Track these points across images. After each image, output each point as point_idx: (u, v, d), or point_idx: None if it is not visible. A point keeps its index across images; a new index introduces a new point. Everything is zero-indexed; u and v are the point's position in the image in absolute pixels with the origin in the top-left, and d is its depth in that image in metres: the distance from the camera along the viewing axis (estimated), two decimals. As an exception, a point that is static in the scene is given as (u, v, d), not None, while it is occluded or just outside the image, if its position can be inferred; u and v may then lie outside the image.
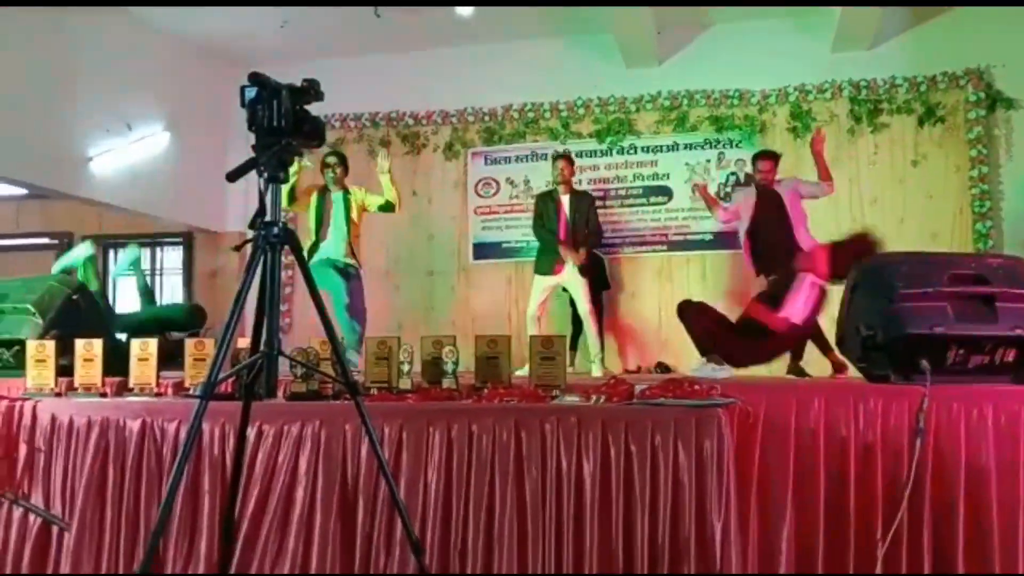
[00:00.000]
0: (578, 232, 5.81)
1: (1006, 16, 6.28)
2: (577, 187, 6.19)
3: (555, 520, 2.44)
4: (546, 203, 5.93)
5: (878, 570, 2.58)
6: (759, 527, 2.69)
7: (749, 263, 5.29)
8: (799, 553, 2.69)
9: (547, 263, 5.81)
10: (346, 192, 5.54)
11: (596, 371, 5.69)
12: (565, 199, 5.85)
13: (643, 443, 2.44)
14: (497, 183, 7.34)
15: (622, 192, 7.08)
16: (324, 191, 5.55)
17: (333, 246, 5.45)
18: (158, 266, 8.72)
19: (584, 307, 5.81)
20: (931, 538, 2.61)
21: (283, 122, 2.22)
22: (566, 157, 6.04)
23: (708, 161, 6.92)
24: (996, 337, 2.86)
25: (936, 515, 2.62)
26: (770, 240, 5.19)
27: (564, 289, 5.96)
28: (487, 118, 7.34)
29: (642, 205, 7.02)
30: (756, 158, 5.53)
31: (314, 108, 2.31)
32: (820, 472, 2.70)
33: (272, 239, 2.21)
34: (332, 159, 5.54)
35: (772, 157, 5.48)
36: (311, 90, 2.29)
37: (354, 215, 5.51)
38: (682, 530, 2.37)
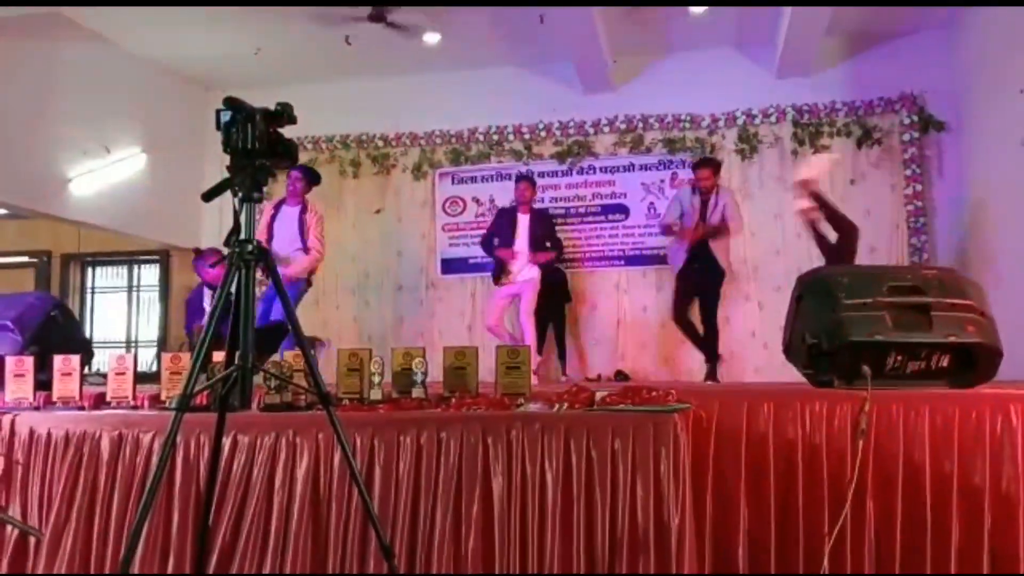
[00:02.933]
0: (539, 245, 6.01)
1: (937, 45, 6.65)
2: (536, 205, 6.38)
3: (519, 522, 2.51)
4: (502, 221, 6.14)
5: (824, 565, 2.72)
6: (714, 526, 2.81)
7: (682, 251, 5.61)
8: (751, 550, 2.82)
9: (496, 276, 6.05)
10: (304, 207, 5.57)
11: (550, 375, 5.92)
12: (524, 218, 6.02)
13: (603, 448, 2.52)
14: (464, 202, 7.52)
15: (582, 210, 7.28)
16: (278, 205, 5.61)
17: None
18: (135, 283, 8.72)
19: (525, 313, 5.94)
20: (872, 533, 2.75)
21: (257, 144, 2.28)
22: (527, 179, 6.21)
23: (662, 181, 7.16)
24: (931, 344, 2.99)
25: (877, 511, 2.75)
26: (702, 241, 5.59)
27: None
28: (454, 140, 7.54)
29: (600, 222, 7.23)
30: (696, 167, 5.83)
31: (287, 130, 2.40)
32: (770, 472, 2.83)
33: (247, 256, 2.27)
34: (295, 173, 5.57)
35: (710, 165, 5.75)
36: (284, 113, 2.36)
37: (307, 232, 5.50)
38: (640, 530, 2.45)
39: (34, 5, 5.82)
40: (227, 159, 2.32)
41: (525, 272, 5.97)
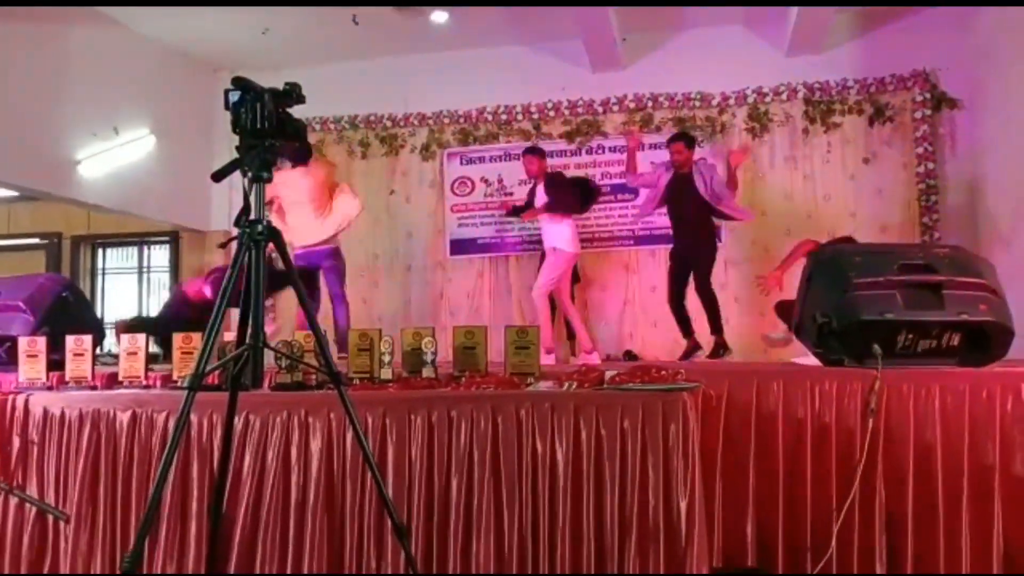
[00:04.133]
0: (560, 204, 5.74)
1: (950, 21, 6.56)
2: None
3: (531, 501, 2.54)
4: (529, 195, 6.12)
5: (832, 545, 2.73)
6: (723, 504, 2.84)
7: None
8: (760, 528, 2.84)
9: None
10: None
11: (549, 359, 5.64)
12: (539, 188, 5.90)
13: (613, 427, 2.53)
14: (472, 182, 7.50)
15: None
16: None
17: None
18: (145, 264, 8.79)
19: (545, 281, 5.67)
20: (882, 511, 2.76)
21: (266, 124, 2.28)
22: (533, 151, 6.00)
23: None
24: (943, 322, 2.99)
25: (887, 490, 2.76)
26: (684, 217, 5.63)
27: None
28: (462, 120, 7.50)
29: (610, 202, 7.19)
30: (670, 141, 5.81)
31: (295, 110, 2.40)
32: (779, 451, 2.85)
33: (257, 236, 2.27)
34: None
35: (682, 138, 5.76)
36: (293, 93, 2.36)
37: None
38: (650, 508, 2.46)
39: None
40: (236, 140, 2.32)
41: (550, 233, 5.72)
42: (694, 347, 5.58)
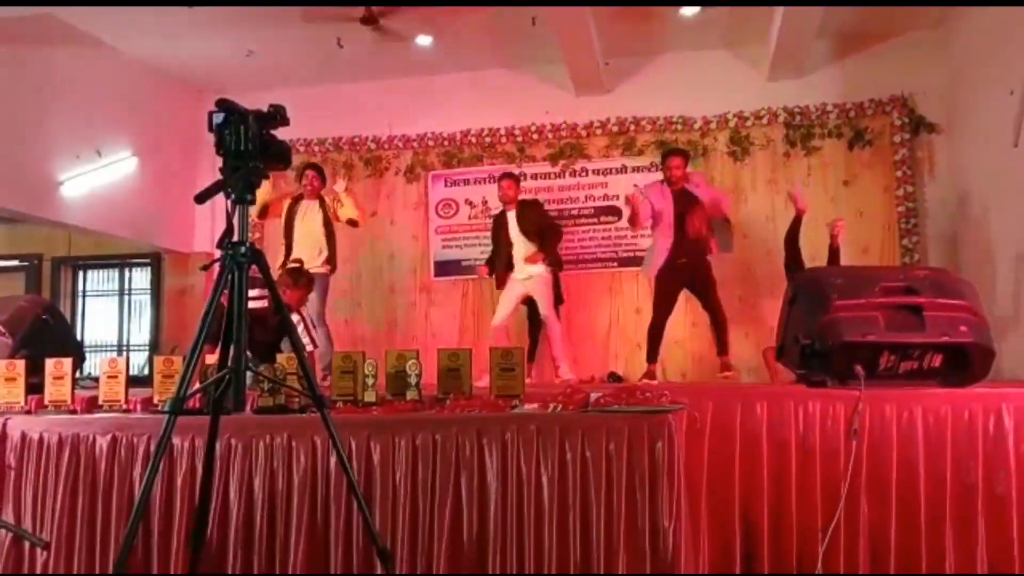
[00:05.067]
0: (530, 237, 5.85)
1: (927, 46, 6.69)
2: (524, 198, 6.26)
3: (516, 523, 2.53)
4: (498, 224, 6.10)
5: (819, 565, 2.73)
6: (709, 525, 2.83)
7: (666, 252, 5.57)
8: (746, 549, 2.83)
9: (499, 280, 5.98)
10: (321, 201, 5.81)
11: (565, 372, 5.77)
12: (511, 215, 5.95)
13: (598, 449, 2.53)
14: (456, 204, 7.51)
15: (574, 212, 7.28)
16: (296, 200, 5.73)
17: (306, 252, 5.65)
18: (126, 287, 8.70)
19: (543, 311, 5.82)
20: (866, 532, 2.77)
21: (250, 146, 2.28)
22: (509, 176, 6.14)
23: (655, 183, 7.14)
24: (924, 344, 3.01)
25: (871, 510, 2.77)
26: (689, 232, 5.52)
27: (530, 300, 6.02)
28: (446, 143, 7.53)
29: (593, 224, 7.22)
30: (666, 156, 5.81)
31: (280, 132, 2.40)
32: (764, 472, 2.85)
33: (240, 259, 2.26)
34: (310, 170, 5.88)
35: (681, 154, 5.81)
36: (277, 115, 2.36)
37: (331, 218, 5.80)
38: (636, 530, 2.46)
39: (28, 5, 5.80)
40: (220, 161, 2.31)
41: (526, 271, 5.85)
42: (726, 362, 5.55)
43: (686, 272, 5.60)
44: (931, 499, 2.76)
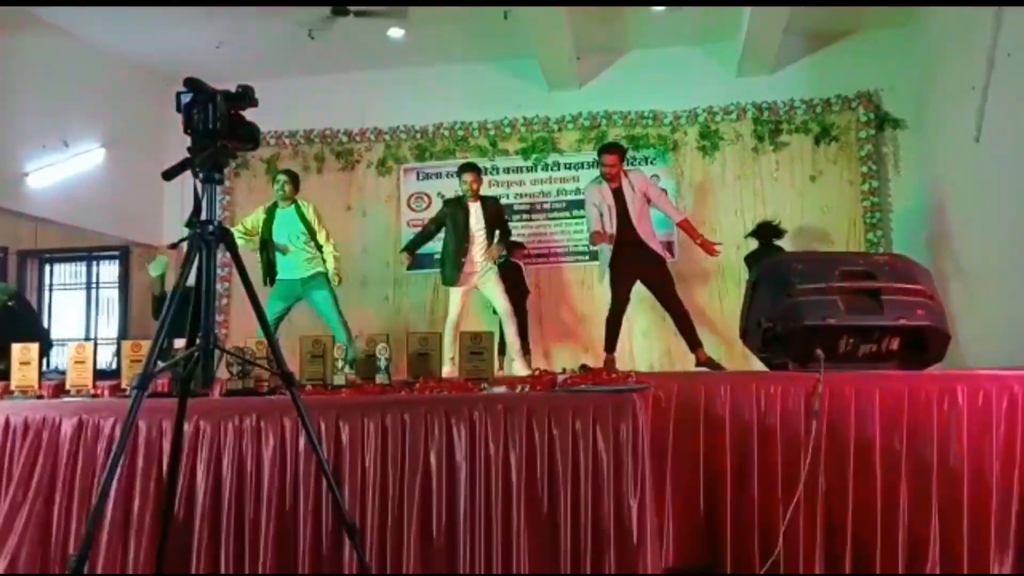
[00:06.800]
0: (490, 234, 5.67)
1: (893, 44, 6.83)
2: (485, 193, 6.00)
3: (484, 502, 2.55)
4: (455, 212, 5.70)
5: (780, 542, 2.79)
6: (674, 504, 2.88)
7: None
8: (709, 526, 2.88)
9: (451, 275, 5.66)
10: (296, 205, 5.69)
11: (519, 369, 5.53)
12: (474, 206, 5.67)
13: (565, 428, 2.56)
14: (428, 197, 7.54)
15: (547, 206, 7.34)
16: (272, 208, 5.66)
17: (293, 260, 5.64)
18: (94, 280, 8.57)
19: (502, 306, 5.64)
20: (825, 507, 2.83)
21: (218, 124, 2.28)
22: (472, 169, 5.79)
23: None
24: (882, 327, 3.09)
25: (830, 489, 2.83)
26: (629, 231, 5.31)
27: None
28: (419, 136, 7.55)
29: (565, 218, 7.29)
30: (601, 152, 5.48)
31: (251, 123, 2.39)
32: (727, 452, 2.90)
33: (208, 236, 2.26)
34: (281, 176, 5.74)
35: (617, 150, 5.48)
36: (246, 96, 2.34)
37: (312, 223, 5.67)
38: (602, 507, 2.50)
39: (13, 5, 5.73)
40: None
41: (482, 266, 5.63)
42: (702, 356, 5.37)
43: (636, 259, 5.38)
44: (887, 477, 2.82)
